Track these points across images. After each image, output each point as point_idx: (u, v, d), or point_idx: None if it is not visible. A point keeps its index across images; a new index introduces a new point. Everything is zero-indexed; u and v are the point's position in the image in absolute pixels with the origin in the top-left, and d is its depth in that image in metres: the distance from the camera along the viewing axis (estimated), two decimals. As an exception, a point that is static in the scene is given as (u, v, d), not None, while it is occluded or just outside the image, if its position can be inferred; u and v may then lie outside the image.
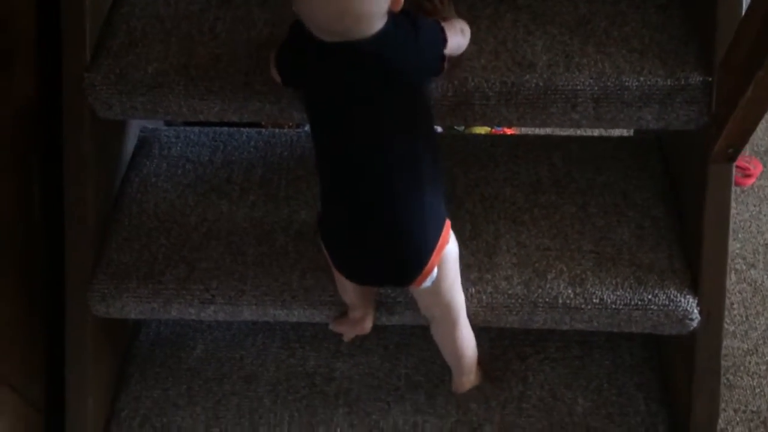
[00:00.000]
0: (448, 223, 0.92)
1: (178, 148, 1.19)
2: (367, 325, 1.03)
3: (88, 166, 1.03)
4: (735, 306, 1.43)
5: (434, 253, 0.89)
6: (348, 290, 0.99)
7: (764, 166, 1.59)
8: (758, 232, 1.52)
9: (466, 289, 1.02)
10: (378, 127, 0.87)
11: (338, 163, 0.90)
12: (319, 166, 0.94)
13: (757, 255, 1.49)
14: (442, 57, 0.91)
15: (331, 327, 1.06)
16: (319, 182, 0.95)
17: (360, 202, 0.89)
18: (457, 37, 0.94)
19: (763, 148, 1.61)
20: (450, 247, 0.92)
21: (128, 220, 1.10)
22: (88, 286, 1.04)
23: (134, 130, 1.20)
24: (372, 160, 0.88)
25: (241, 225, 1.09)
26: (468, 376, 1.09)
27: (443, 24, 0.91)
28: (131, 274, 1.04)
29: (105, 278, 1.04)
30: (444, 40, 0.90)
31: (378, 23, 0.83)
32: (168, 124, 1.29)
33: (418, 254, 0.89)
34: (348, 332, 1.06)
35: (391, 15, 0.84)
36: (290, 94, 0.98)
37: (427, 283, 0.91)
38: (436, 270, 0.91)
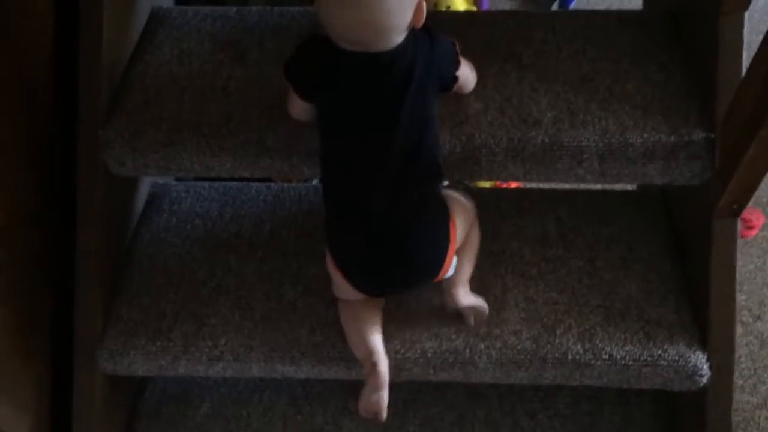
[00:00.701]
0: (451, 213, 0.95)
1: (188, 203, 1.20)
2: (383, 377, 0.96)
3: (100, 221, 1.04)
4: (743, 359, 1.42)
5: (450, 249, 0.94)
6: (358, 322, 0.98)
7: (766, 217, 1.60)
8: (763, 284, 1.52)
9: (474, 345, 1.02)
10: (390, 133, 0.89)
11: (351, 170, 0.92)
12: (328, 175, 0.95)
13: (762, 307, 1.49)
14: (455, 77, 0.95)
15: (361, 412, 0.98)
16: (326, 192, 0.96)
17: (374, 208, 0.91)
18: (468, 68, 0.98)
19: (764, 200, 1.63)
20: (458, 224, 0.96)
21: (138, 275, 1.11)
22: (97, 343, 1.04)
23: (145, 185, 1.22)
24: (385, 164, 0.90)
25: (249, 280, 1.10)
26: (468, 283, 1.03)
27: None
28: (140, 330, 1.04)
29: (114, 335, 1.04)
30: (458, 61, 0.94)
31: (399, 37, 0.86)
32: (178, 179, 1.31)
33: (443, 248, 0.94)
34: (371, 401, 0.95)
35: (412, 29, 0.87)
36: (302, 150, 1.00)
37: (450, 272, 0.97)
38: (454, 259, 0.96)
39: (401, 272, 0.96)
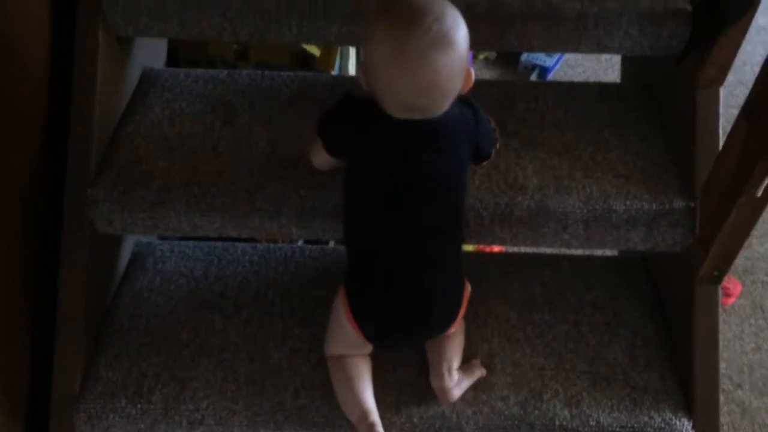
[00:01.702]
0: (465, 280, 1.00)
1: (173, 262, 1.19)
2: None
3: (83, 279, 1.03)
4: (725, 427, 1.42)
5: (462, 306, 0.99)
6: (351, 381, 0.97)
7: (743, 285, 1.63)
8: (742, 352, 1.53)
9: (461, 411, 1.01)
10: (422, 198, 0.91)
11: (378, 228, 0.93)
12: (352, 229, 0.96)
13: (742, 375, 1.50)
14: (490, 155, 0.98)
15: None
16: (349, 244, 0.97)
17: (400, 264, 0.94)
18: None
19: (741, 268, 1.66)
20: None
21: (119, 335, 1.08)
22: (74, 404, 1.01)
23: (129, 244, 1.21)
24: (413, 225, 0.92)
25: (233, 341, 1.08)
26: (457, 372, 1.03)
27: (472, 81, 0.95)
28: (119, 392, 1.02)
29: (92, 396, 1.01)
30: (496, 140, 0.98)
31: (450, 103, 0.88)
32: (162, 237, 1.30)
33: (456, 307, 0.98)
34: None
35: (457, 99, 0.89)
36: (290, 211, 1.01)
37: (454, 328, 1.01)
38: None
39: (418, 325, 0.98)
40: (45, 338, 1.04)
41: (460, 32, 0.84)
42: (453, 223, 0.95)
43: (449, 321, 0.99)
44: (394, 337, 1.00)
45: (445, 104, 0.88)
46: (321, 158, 0.99)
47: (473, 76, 0.88)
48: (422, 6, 0.83)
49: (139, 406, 1.00)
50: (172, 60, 1.44)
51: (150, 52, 1.24)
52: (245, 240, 1.25)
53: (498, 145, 0.99)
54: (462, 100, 0.91)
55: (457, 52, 0.84)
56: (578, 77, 2.12)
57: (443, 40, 0.82)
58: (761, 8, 0.99)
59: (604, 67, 2.15)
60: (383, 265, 0.95)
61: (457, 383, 0.99)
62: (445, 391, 0.98)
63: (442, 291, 0.98)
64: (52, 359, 1.02)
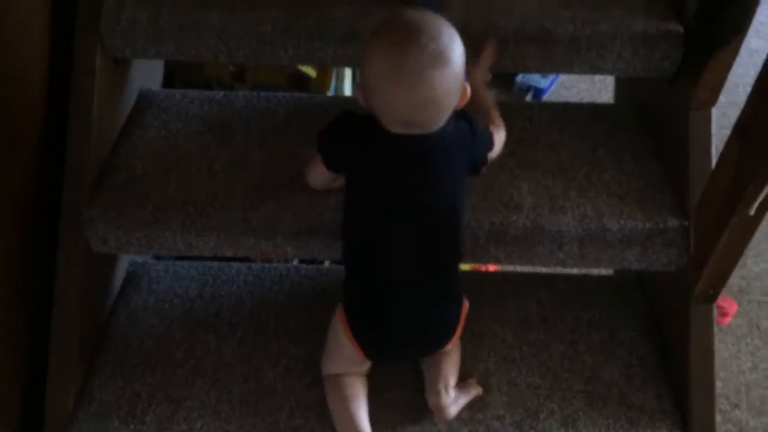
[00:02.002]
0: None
1: (167, 282, 1.19)
2: None
3: (78, 299, 1.02)
4: (723, 448, 1.41)
5: (461, 321, 0.99)
6: (346, 401, 0.97)
7: (739, 304, 1.63)
8: (739, 372, 1.53)
9: (458, 430, 1.00)
10: (421, 212, 0.92)
11: (378, 243, 0.93)
12: (351, 244, 0.97)
13: (739, 395, 1.49)
14: (486, 160, 0.98)
15: None
16: (348, 260, 0.97)
17: (399, 281, 0.94)
18: (498, 146, 1.01)
19: (736, 288, 1.66)
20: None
21: (113, 355, 1.08)
22: (67, 425, 1.00)
23: (123, 263, 1.20)
24: (412, 239, 0.93)
25: (228, 361, 1.08)
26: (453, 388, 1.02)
27: (492, 131, 0.97)
28: (113, 413, 1.01)
29: (85, 417, 1.01)
30: (491, 145, 0.98)
31: (446, 118, 0.89)
32: (157, 257, 1.30)
33: (454, 323, 0.99)
34: None
35: (454, 113, 0.90)
36: (286, 230, 1.01)
37: (453, 344, 1.01)
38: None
39: (418, 341, 0.98)
40: (39, 358, 1.03)
41: (456, 50, 0.85)
42: (451, 239, 0.96)
43: (448, 336, 0.99)
44: (393, 353, 1.00)
45: (441, 119, 0.89)
46: (318, 175, 0.99)
47: (469, 92, 0.89)
48: (419, 25, 0.84)
49: (132, 426, 1.00)
50: (169, 82, 1.45)
51: (147, 74, 1.24)
52: (240, 260, 1.25)
53: (494, 150, 0.98)
54: (458, 115, 0.92)
55: (453, 70, 0.85)
56: (573, 98, 2.14)
57: (439, 58, 0.83)
58: (753, 31, 1.00)
59: (598, 88, 2.17)
60: (383, 282, 0.95)
61: (453, 401, 0.99)
62: (441, 409, 0.98)
63: (441, 306, 0.98)
64: (46, 378, 1.01)
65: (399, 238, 0.93)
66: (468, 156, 0.95)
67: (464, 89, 0.88)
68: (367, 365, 1.00)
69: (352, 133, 0.93)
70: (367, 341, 0.97)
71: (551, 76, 2.13)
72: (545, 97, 2.12)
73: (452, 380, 1.00)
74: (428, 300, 0.96)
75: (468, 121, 0.93)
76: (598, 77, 2.17)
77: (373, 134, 0.90)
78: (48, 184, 1.05)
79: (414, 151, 0.90)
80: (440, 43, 0.83)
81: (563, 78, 2.19)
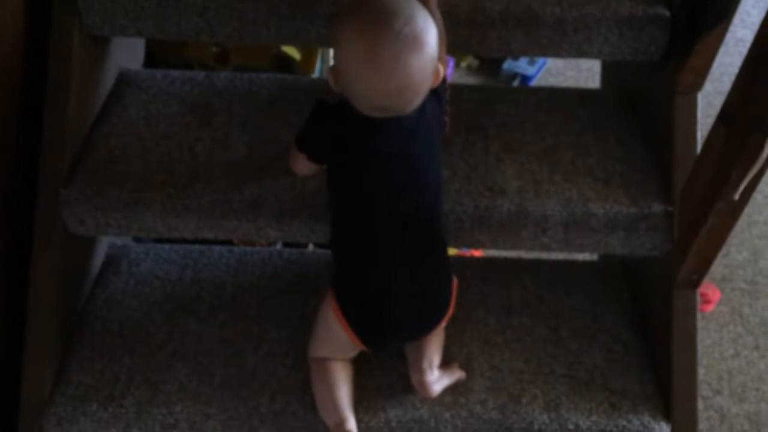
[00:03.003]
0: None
1: (147, 265, 1.17)
2: None
3: (55, 281, 1.01)
4: (704, 433, 1.42)
5: (452, 299, 1.00)
6: (331, 385, 0.97)
7: (722, 292, 1.64)
8: (721, 359, 1.54)
9: (439, 414, 1.00)
10: (407, 191, 0.91)
11: (367, 228, 0.92)
12: (340, 231, 0.96)
13: (721, 381, 1.50)
14: (447, 111, 0.96)
15: None
16: (338, 246, 0.96)
17: (391, 262, 0.93)
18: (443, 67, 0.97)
19: (719, 276, 1.67)
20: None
21: (91, 338, 1.06)
22: (44, 408, 0.98)
23: (102, 246, 1.19)
24: (401, 220, 0.91)
25: (209, 345, 1.06)
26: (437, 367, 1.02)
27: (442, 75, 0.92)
28: (91, 396, 1.00)
29: (63, 400, 0.99)
30: (447, 90, 0.95)
31: (421, 100, 0.88)
32: (137, 240, 1.28)
33: (447, 302, 0.99)
34: None
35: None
36: (268, 213, 1.00)
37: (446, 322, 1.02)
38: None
39: (414, 323, 0.97)
40: (15, 341, 1.02)
41: (431, 31, 0.84)
42: (439, 213, 0.95)
43: (442, 315, 0.99)
44: (392, 339, 0.99)
45: (417, 102, 0.88)
46: (303, 168, 0.98)
47: (441, 71, 0.88)
48: (392, 8, 0.82)
49: (111, 409, 0.98)
50: (150, 63, 1.42)
51: (127, 54, 1.22)
52: (222, 243, 1.24)
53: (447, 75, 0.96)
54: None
55: (429, 54, 0.83)
56: (559, 85, 2.13)
57: (415, 42, 0.82)
58: (739, 21, 1.00)
59: (585, 76, 2.16)
60: (378, 269, 0.94)
61: (437, 379, 0.99)
62: (425, 385, 0.97)
63: (435, 286, 0.98)
64: (22, 361, 0.99)
65: (388, 221, 0.92)
66: (439, 122, 0.94)
67: (437, 69, 0.87)
68: (356, 351, 0.99)
69: (330, 124, 0.92)
70: (363, 329, 0.96)
71: (538, 63, 2.12)
72: (532, 84, 2.11)
73: (436, 360, 0.99)
74: (422, 281, 0.96)
75: (433, 91, 0.91)
76: (584, 65, 2.17)
77: (351, 120, 0.89)
78: (24, 164, 1.03)
79: (395, 132, 0.89)
80: (415, 26, 0.82)
81: (550, 65, 2.19)
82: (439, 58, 0.87)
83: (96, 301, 1.12)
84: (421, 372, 0.97)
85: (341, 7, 0.94)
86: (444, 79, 0.95)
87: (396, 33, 0.81)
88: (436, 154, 0.94)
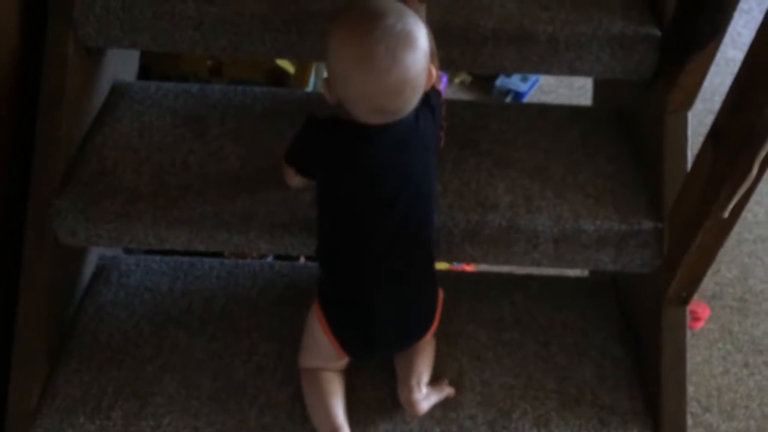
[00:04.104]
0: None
1: (138, 276, 1.17)
2: None
3: (44, 292, 1.00)
4: (693, 451, 1.42)
5: (437, 312, 1.00)
6: (323, 395, 0.96)
7: (711, 310, 1.64)
8: (710, 376, 1.54)
9: (430, 428, 0.99)
10: (399, 200, 0.91)
11: (355, 237, 0.92)
12: (328, 241, 0.95)
13: (710, 399, 1.50)
14: (443, 124, 0.97)
15: None
16: (325, 256, 0.96)
17: (378, 272, 0.93)
18: (439, 87, 0.99)
19: (709, 293, 1.68)
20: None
21: (79, 350, 1.06)
22: (30, 420, 0.97)
23: (93, 257, 1.18)
24: (390, 230, 0.91)
25: (198, 357, 1.06)
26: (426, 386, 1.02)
27: (435, 80, 0.92)
28: (78, 408, 0.99)
29: (49, 413, 0.98)
30: (443, 104, 0.96)
31: (417, 100, 0.88)
32: (128, 251, 1.28)
33: (432, 314, 1.00)
34: None
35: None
36: (260, 225, 1.00)
37: (430, 335, 1.02)
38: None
39: (398, 333, 0.98)
40: (2, 351, 1.01)
41: (422, 30, 0.85)
42: (429, 224, 0.96)
43: (427, 327, 0.99)
44: (374, 349, 0.99)
45: (414, 103, 0.88)
46: (294, 181, 0.99)
47: (434, 73, 0.88)
48: (381, 8, 0.83)
49: (98, 422, 0.98)
50: (144, 75, 1.43)
51: (121, 66, 1.22)
52: (213, 255, 1.24)
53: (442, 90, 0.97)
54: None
55: (422, 49, 0.84)
56: (552, 103, 2.15)
57: (408, 38, 0.83)
58: (730, 41, 1.01)
59: (577, 94, 2.18)
60: (363, 279, 0.94)
61: (425, 397, 0.98)
62: (413, 404, 0.97)
63: (420, 298, 0.98)
64: (9, 372, 0.99)
65: (378, 232, 0.92)
66: (433, 135, 0.94)
67: (430, 70, 0.87)
68: (345, 361, 0.99)
69: (319, 139, 0.92)
70: (347, 339, 0.96)
71: (530, 80, 2.14)
72: (524, 101, 2.13)
73: (425, 377, 0.99)
74: (408, 292, 0.96)
75: (427, 98, 0.92)
76: (577, 83, 2.18)
77: (341, 133, 0.89)
78: (16, 174, 1.03)
79: (389, 142, 0.89)
80: (407, 24, 0.83)
81: (542, 82, 2.20)
82: (431, 62, 0.88)
83: (85, 312, 1.11)
84: (409, 389, 0.97)
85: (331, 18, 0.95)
86: (439, 93, 0.96)
87: (389, 29, 0.82)
88: (428, 166, 0.94)
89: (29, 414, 0.98)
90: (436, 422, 1.00)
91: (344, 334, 0.96)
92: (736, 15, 0.99)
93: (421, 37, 0.84)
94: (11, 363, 0.99)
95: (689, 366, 1.12)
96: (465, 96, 2.14)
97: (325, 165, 0.93)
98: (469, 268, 1.55)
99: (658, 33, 1.05)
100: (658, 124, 1.06)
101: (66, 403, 0.99)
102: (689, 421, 1.46)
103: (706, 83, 1.04)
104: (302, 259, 1.35)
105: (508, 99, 2.12)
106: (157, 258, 1.20)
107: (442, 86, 1.88)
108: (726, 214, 0.91)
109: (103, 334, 1.08)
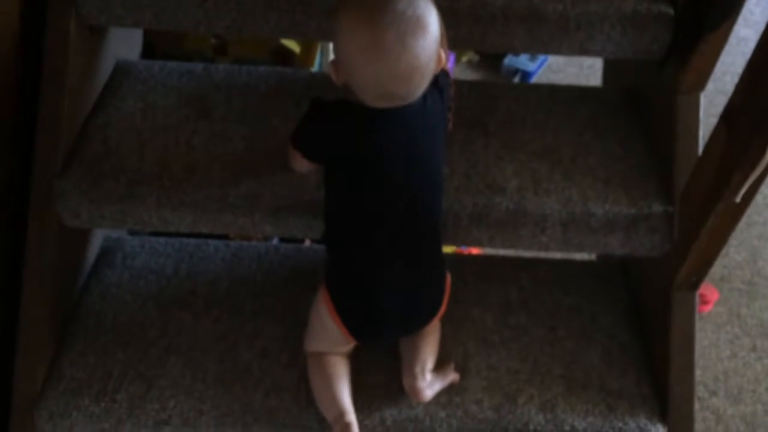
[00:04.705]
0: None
1: (142, 258, 1.16)
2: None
3: (48, 274, 1.00)
4: (699, 434, 1.42)
5: (445, 296, 0.99)
6: (329, 378, 0.96)
7: (720, 293, 1.63)
8: (718, 360, 1.53)
9: (434, 413, 0.99)
10: (408, 184, 0.90)
11: (364, 221, 0.91)
12: (336, 225, 0.94)
13: (717, 383, 1.50)
14: (451, 105, 0.95)
15: None
16: (333, 240, 0.95)
17: (386, 257, 0.92)
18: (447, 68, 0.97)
19: (718, 276, 1.66)
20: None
21: (84, 332, 1.05)
22: (35, 402, 0.98)
23: (97, 239, 1.18)
24: (399, 214, 0.91)
25: (203, 340, 1.06)
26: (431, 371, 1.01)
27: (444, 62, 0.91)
28: (83, 390, 0.99)
29: (54, 395, 0.98)
30: (451, 85, 0.95)
31: (427, 85, 0.86)
32: (132, 233, 1.27)
33: (440, 299, 0.99)
34: None
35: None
36: (265, 208, 0.99)
37: (438, 319, 1.01)
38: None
39: (406, 317, 0.97)
40: (7, 334, 1.01)
41: (433, 13, 0.83)
42: (438, 207, 0.95)
43: (434, 312, 0.99)
44: (382, 333, 0.98)
45: (423, 88, 0.86)
46: (301, 165, 0.97)
47: (444, 56, 0.86)
48: None
49: (103, 404, 0.98)
50: (148, 54, 1.41)
51: (124, 45, 1.21)
52: (218, 237, 1.23)
53: (452, 89, 0.96)
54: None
55: (433, 34, 0.82)
56: (560, 82, 2.12)
57: (419, 24, 0.81)
58: (742, 20, 0.99)
59: (586, 74, 2.15)
60: (371, 264, 0.93)
61: (429, 384, 0.98)
62: (416, 391, 0.97)
63: (428, 282, 0.97)
64: (14, 356, 0.99)
65: (386, 215, 0.91)
66: (441, 116, 0.92)
67: (440, 53, 0.86)
68: (350, 345, 0.99)
69: (326, 123, 0.91)
70: (355, 323, 0.95)
71: (539, 60, 2.11)
72: (533, 81, 2.10)
73: (429, 364, 0.99)
74: (417, 276, 0.95)
75: (437, 82, 0.90)
76: (586, 62, 2.15)
77: (349, 117, 0.88)
78: (19, 156, 1.02)
79: (397, 124, 0.88)
80: (417, 8, 0.81)
81: (551, 62, 2.17)
82: (440, 44, 0.86)
83: (90, 294, 1.11)
84: (413, 377, 0.97)
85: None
86: (447, 74, 0.94)
87: (399, 14, 0.80)
88: (436, 149, 0.93)
89: (34, 396, 0.98)
90: (441, 407, 0.99)
91: (352, 319, 0.95)
92: (750, -6, 0.96)
93: (432, 22, 0.82)
94: (16, 345, 0.98)
95: (697, 350, 1.11)
96: (472, 75, 2.12)
97: (332, 149, 0.91)
98: (476, 251, 1.53)
99: (671, 12, 1.02)
100: (670, 106, 1.04)
101: (71, 386, 0.99)
102: (696, 405, 1.45)
103: (718, 63, 1.02)
104: (307, 242, 1.34)
105: (516, 78, 2.10)
106: (162, 240, 1.20)
107: (449, 65, 1.86)
108: (738, 199, 0.90)
109: (108, 316, 1.08)
